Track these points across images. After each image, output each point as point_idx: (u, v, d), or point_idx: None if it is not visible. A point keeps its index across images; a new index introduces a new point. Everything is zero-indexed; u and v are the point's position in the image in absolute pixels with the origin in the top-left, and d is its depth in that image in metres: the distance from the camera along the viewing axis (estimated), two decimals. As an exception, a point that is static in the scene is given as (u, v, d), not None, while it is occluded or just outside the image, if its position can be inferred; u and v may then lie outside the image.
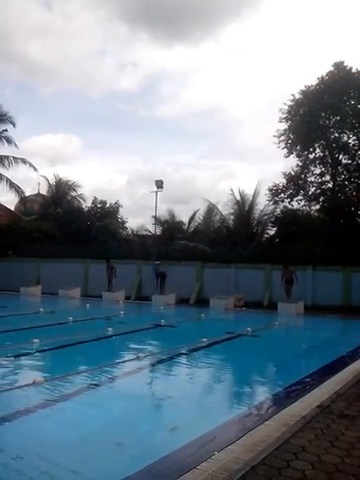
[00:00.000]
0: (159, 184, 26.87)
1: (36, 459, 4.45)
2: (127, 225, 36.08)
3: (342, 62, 26.56)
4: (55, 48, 63.60)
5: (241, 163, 66.36)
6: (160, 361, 9.62)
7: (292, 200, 28.39)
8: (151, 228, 33.53)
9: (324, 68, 35.56)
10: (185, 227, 34.99)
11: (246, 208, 29.68)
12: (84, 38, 64.73)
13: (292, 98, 27.27)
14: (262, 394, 7.35)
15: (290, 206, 28.60)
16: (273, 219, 29.21)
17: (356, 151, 27.31)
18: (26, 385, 6.99)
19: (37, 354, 9.87)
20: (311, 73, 61.01)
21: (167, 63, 66.68)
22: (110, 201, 34.95)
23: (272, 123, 29.76)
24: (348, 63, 26.55)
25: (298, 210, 28.67)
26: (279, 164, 72.23)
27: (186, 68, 66.14)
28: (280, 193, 28.28)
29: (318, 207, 28.90)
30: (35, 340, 10.41)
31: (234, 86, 69.87)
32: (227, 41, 66.10)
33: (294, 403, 5.97)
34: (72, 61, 65.08)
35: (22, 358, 9.55)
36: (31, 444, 4.87)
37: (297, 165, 28.29)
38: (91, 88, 68.96)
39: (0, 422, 5.45)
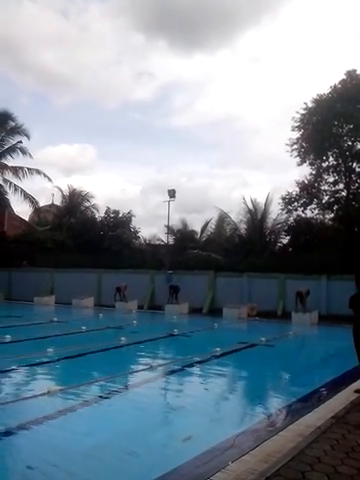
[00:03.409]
0: (172, 194, 26.90)
1: (50, 468, 4.48)
2: (140, 235, 36.17)
3: (355, 70, 26.48)
4: (71, 58, 64.34)
5: (255, 172, 66.29)
6: (173, 371, 9.61)
7: (305, 209, 28.24)
8: (164, 237, 33.59)
9: (337, 76, 35.48)
10: (198, 236, 34.96)
11: (259, 217, 29.57)
12: (100, 47, 65.21)
13: (305, 107, 27.26)
14: (276, 404, 7.28)
15: (303, 215, 28.44)
16: (286, 228, 29.03)
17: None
18: (41, 394, 7.03)
19: (51, 363, 9.91)
20: (326, 81, 60.83)
21: (183, 72, 66.84)
22: (123, 211, 35.17)
23: (287, 131, 29.59)
24: (361, 71, 26.49)
25: (312, 219, 28.47)
26: (294, 173, 72.06)
27: (201, 77, 66.23)
28: (293, 202, 28.14)
29: (332, 216, 28.69)
30: (49, 349, 10.48)
31: (249, 94, 69.86)
32: (243, 49, 66.09)
33: (309, 413, 5.92)
34: (88, 71, 65.69)
35: (36, 367, 9.62)
36: (45, 452, 4.90)
37: (310, 173, 28.19)
38: (107, 98, 69.50)
39: (15, 431, 5.48)
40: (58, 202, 39.06)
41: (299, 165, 28.14)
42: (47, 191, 57.38)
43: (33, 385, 8.37)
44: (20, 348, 11.60)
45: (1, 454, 4.94)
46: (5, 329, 14.15)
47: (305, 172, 28.57)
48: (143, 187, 68.80)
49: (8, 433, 5.40)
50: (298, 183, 28.08)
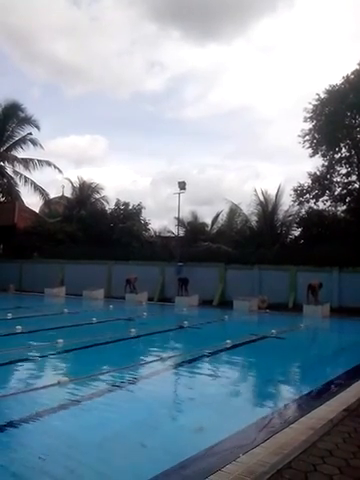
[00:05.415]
0: (182, 185, 26.75)
1: (61, 459, 4.47)
2: (150, 227, 36.13)
3: (368, 60, 26.09)
4: (82, 48, 63.99)
5: (267, 164, 65.88)
6: (184, 362, 9.58)
7: (317, 201, 27.95)
8: (174, 230, 33.52)
9: (350, 67, 34.96)
10: (208, 228, 34.86)
11: (270, 209, 29.40)
12: (112, 37, 64.42)
13: (317, 97, 26.94)
14: (288, 397, 7.23)
15: (315, 207, 28.17)
16: (298, 220, 28.81)
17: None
18: (51, 385, 7.04)
19: (61, 354, 9.95)
20: (339, 71, 60.02)
21: (195, 63, 66.16)
22: (133, 203, 35.13)
23: (299, 122, 29.29)
24: (374, 61, 26.04)
25: (324, 211, 28.20)
26: (306, 164, 71.30)
27: (214, 67, 65.54)
28: (305, 193, 27.88)
29: (344, 208, 28.38)
30: (59, 340, 10.51)
31: (262, 85, 69.16)
32: (258, 38, 64.93)
33: (320, 406, 5.86)
34: (99, 61, 65.10)
35: (47, 358, 9.63)
36: (56, 444, 4.90)
37: (323, 165, 27.91)
38: (118, 89, 69.20)
39: (26, 421, 5.49)
40: (68, 194, 39.29)
41: (311, 156, 27.89)
42: (57, 183, 57.33)
43: (43, 376, 8.42)
44: (30, 339, 11.64)
45: (13, 444, 4.95)
46: (16, 320, 14.25)
47: (317, 163, 28.33)
48: (154, 179, 68.94)
49: (20, 423, 5.41)
50: (310, 175, 27.83)
